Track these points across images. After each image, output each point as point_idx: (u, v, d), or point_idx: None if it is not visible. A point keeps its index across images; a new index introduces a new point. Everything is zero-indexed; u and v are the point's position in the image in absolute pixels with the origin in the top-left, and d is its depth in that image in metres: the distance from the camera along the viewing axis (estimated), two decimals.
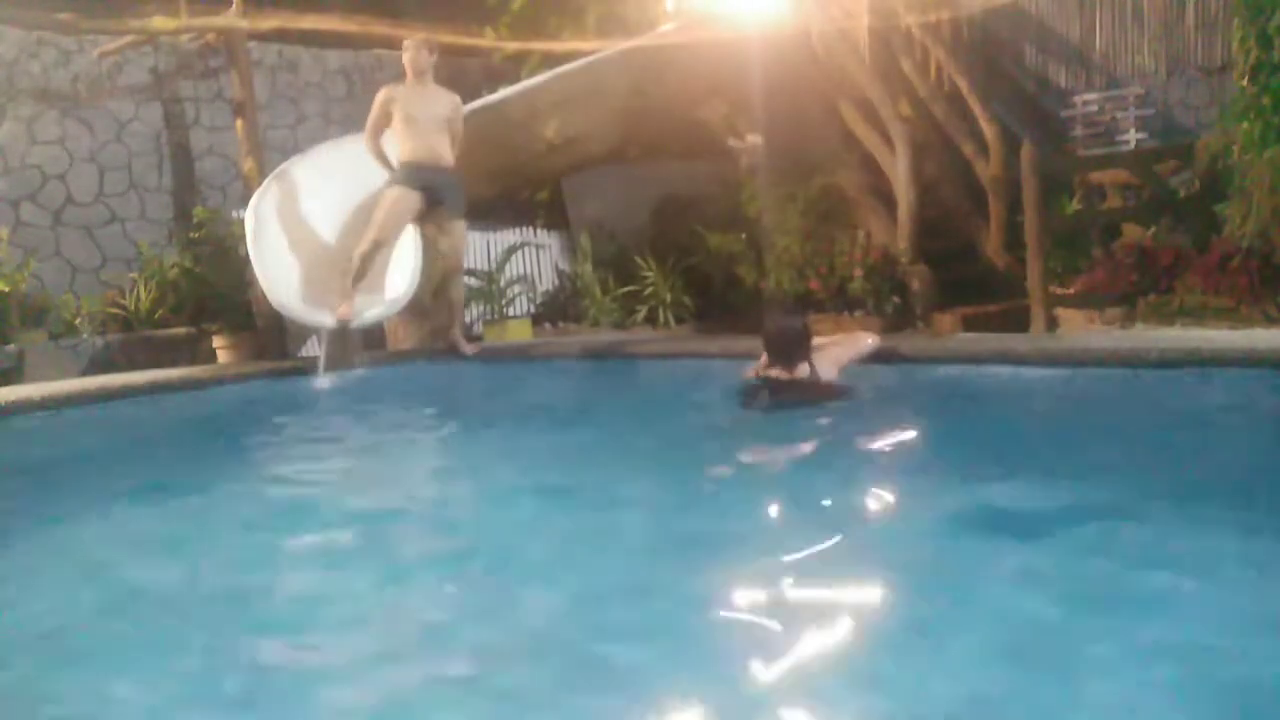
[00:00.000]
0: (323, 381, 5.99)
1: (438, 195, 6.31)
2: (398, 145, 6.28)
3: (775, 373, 4.02)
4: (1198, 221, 5.87)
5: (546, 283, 9.71)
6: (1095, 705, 1.60)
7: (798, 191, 7.00)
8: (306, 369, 6.30)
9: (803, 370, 3.97)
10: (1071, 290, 6.02)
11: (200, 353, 7.91)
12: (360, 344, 6.85)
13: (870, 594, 2.21)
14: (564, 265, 9.63)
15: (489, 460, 3.94)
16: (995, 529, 2.51)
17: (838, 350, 4.27)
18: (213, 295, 8.12)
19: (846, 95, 7.17)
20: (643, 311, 7.97)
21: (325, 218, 6.69)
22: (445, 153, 6.34)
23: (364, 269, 6.20)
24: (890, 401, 4.35)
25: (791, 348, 4.00)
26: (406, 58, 6.35)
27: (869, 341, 4.52)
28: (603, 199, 8.96)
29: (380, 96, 6.30)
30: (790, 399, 3.99)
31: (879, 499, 2.98)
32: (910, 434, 3.77)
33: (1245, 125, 5.33)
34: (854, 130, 7.13)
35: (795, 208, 6.94)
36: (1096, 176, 6.93)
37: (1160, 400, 3.99)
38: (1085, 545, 2.34)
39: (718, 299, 7.65)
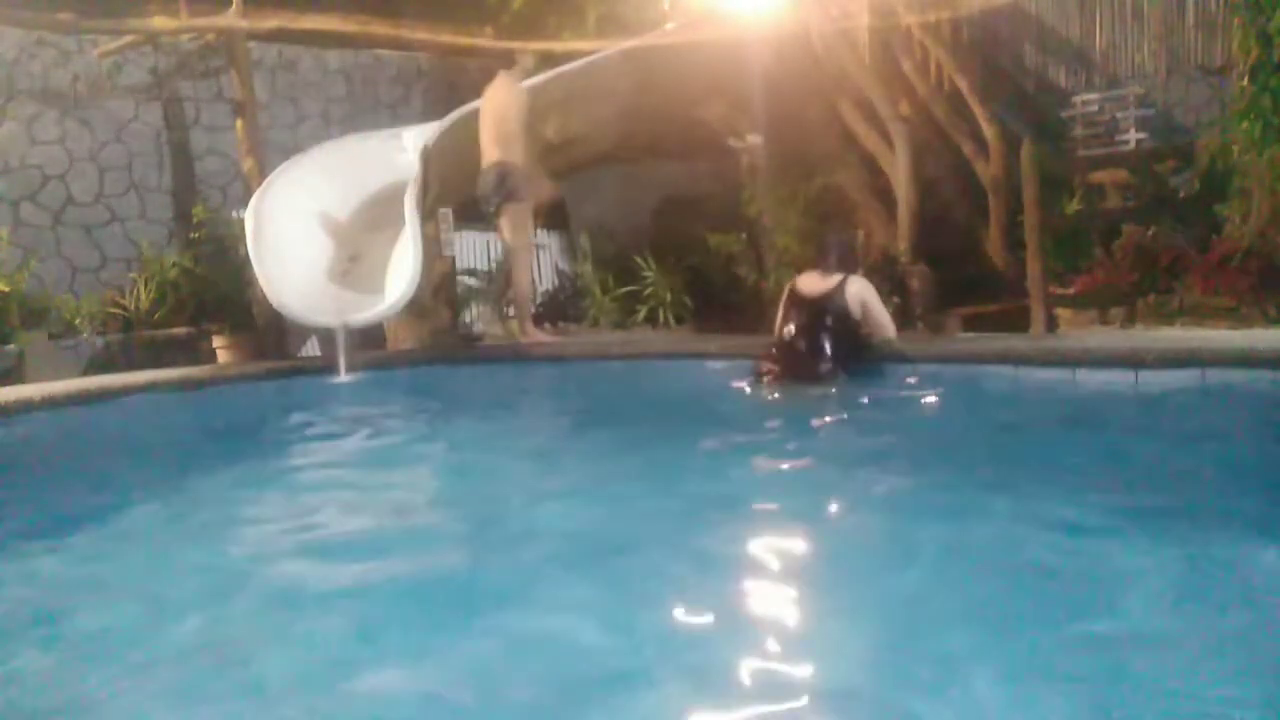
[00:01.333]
0: (339, 381, 5.88)
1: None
2: (497, 149, 6.44)
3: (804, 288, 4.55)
4: (1198, 221, 5.88)
5: (546, 283, 9.70)
6: None
7: (798, 191, 7.00)
8: (307, 368, 6.29)
9: (834, 278, 4.48)
10: (1071, 290, 6.01)
11: (200, 353, 7.90)
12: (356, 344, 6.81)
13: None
14: (564, 265, 9.63)
15: (491, 461, 3.95)
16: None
17: (872, 296, 4.58)
18: (213, 295, 8.12)
19: (846, 95, 7.18)
20: (643, 311, 7.96)
21: (326, 217, 6.68)
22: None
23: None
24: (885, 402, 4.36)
25: (838, 251, 4.63)
26: (523, 64, 6.68)
27: (893, 331, 4.71)
28: (603, 199, 8.95)
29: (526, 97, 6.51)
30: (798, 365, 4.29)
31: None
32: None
33: (1245, 125, 5.33)
34: (854, 130, 7.14)
35: (795, 208, 6.94)
36: (1096, 176, 6.93)
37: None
38: None
39: (718, 299, 7.65)
